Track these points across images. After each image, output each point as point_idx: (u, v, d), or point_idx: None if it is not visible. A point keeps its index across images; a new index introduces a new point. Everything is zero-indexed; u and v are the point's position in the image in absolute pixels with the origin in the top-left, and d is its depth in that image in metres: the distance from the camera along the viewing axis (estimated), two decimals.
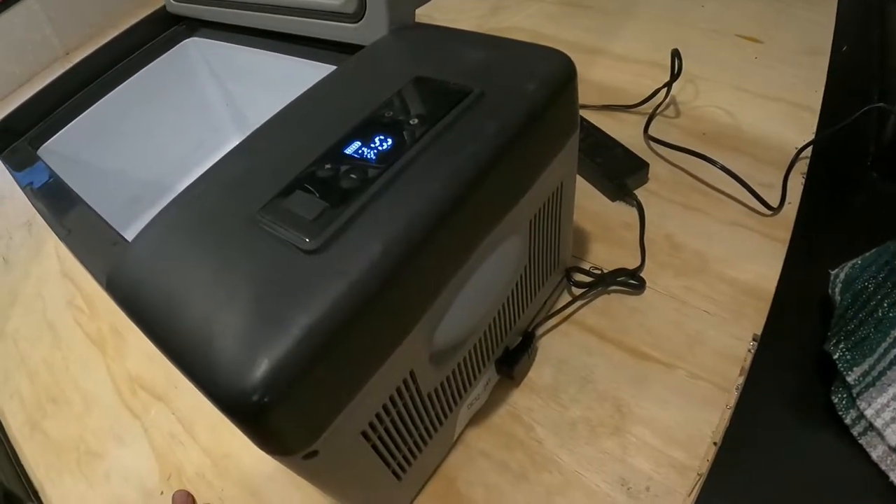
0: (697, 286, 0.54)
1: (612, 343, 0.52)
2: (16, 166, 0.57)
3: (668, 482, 0.44)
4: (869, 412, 0.42)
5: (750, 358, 0.50)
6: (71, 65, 0.63)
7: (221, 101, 0.69)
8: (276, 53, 0.57)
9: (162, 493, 0.51)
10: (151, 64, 0.63)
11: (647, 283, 0.54)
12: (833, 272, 0.49)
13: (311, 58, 0.54)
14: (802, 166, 0.60)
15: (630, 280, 0.54)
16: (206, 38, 0.64)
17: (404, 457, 0.42)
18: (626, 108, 0.69)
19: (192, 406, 0.56)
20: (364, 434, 0.36)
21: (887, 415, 0.42)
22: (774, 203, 0.57)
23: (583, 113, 0.67)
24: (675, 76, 0.66)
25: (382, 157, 0.35)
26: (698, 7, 0.80)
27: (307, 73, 0.55)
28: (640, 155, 0.62)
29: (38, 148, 0.58)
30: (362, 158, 0.35)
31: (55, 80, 0.60)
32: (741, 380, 0.49)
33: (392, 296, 0.31)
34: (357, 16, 0.47)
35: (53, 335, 0.66)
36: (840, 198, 0.58)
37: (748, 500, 0.43)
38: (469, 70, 0.40)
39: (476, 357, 0.44)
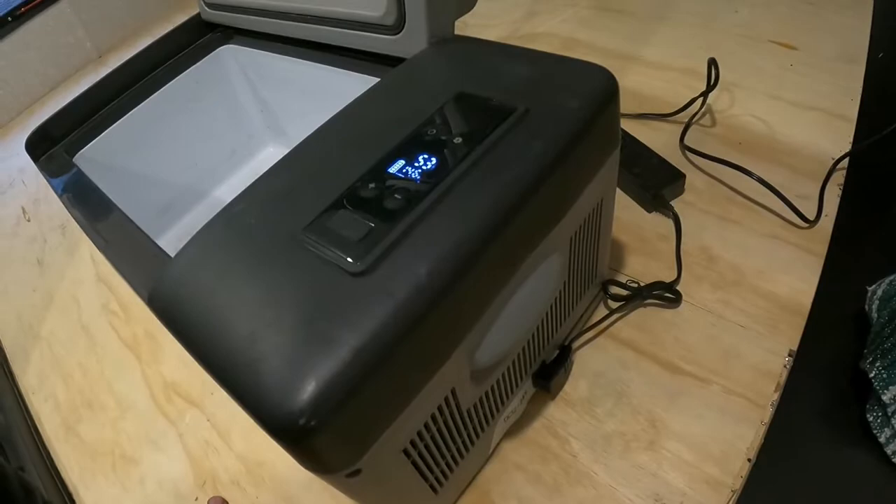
0: (733, 300, 0.53)
1: (648, 357, 0.52)
2: (52, 173, 0.57)
3: (701, 498, 0.44)
4: None
5: (785, 374, 0.49)
6: (105, 68, 0.64)
7: (256, 108, 0.70)
8: (312, 63, 0.57)
9: (196, 499, 0.52)
10: (186, 71, 0.63)
11: (684, 297, 0.54)
12: (870, 288, 0.49)
13: (348, 68, 0.54)
14: (839, 177, 0.59)
15: (666, 293, 0.54)
16: (242, 45, 0.64)
17: (442, 471, 0.42)
18: (661, 116, 0.68)
19: (228, 413, 0.56)
20: (405, 451, 0.36)
21: None
22: (811, 215, 0.56)
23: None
24: (712, 86, 0.65)
25: (427, 176, 0.35)
26: (731, 12, 0.79)
27: (344, 84, 0.55)
28: (676, 165, 0.62)
29: (74, 155, 0.59)
30: (407, 178, 0.35)
31: (91, 87, 0.61)
32: (776, 396, 0.48)
33: (438, 317, 0.31)
34: (396, 28, 0.47)
35: (88, 339, 0.66)
36: (877, 212, 0.57)
37: None
38: (511, 86, 0.40)
39: (514, 371, 0.44)
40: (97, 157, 0.60)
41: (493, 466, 0.48)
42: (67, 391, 0.63)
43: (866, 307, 0.48)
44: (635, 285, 0.54)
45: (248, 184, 0.69)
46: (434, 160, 0.36)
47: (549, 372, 0.48)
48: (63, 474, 0.58)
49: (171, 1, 1.18)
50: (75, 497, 0.56)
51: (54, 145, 0.60)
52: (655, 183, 0.59)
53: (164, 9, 1.14)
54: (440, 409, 0.36)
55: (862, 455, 0.43)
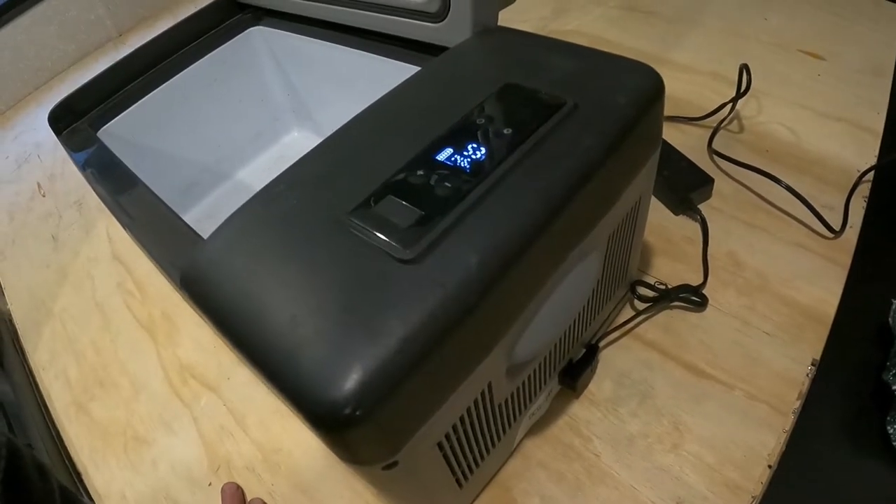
0: (758, 306, 0.53)
1: (673, 359, 0.51)
2: (75, 147, 0.56)
3: (722, 502, 0.44)
4: None
5: (808, 383, 0.49)
6: (125, 47, 0.63)
7: (283, 91, 0.69)
8: (345, 47, 0.56)
9: (210, 484, 0.51)
10: (215, 51, 0.62)
11: (710, 301, 0.54)
12: (895, 301, 0.48)
13: (384, 54, 0.54)
14: (864, 190, 0.60)
15: (693, 297, 0.53)
16: (272, 27, 0.63)
17: (468, 466, 0.41)
18: (690, 119, 0.67)
19: (244, 398, 0.56)
20: (439, 444, 0.35)
21: None
22: (836, 226, 0.56)
23: None
24: (743, 92, 0.64)
25: (477, 166, 0.34)
26: (761, 19, 0.79)
27: (378, 70, 0.54)
28: (704, 169, 0.61)
29: (98, 130, 0.58)
30: (455, 166, 0.34)
31: (118, 62, 0.60)
32: (798, 404, 0.48)
33: (485, 310, 0.31)
34: (440, 15, 0.46)
35: (102, 317, 0.66)
36: None
37: None
38: (558, 79, 0.39)
39: (544, 368, 0.43)
40: (121, 133, 0.59)
41: (516, 462, 0.48)
42: (79, 369, 0.62)
43: (889, 320, 0.48)
44: (663, 287, 0.54)
45: (271, 167, 0.69)
46: (483, 150, 0.35)
47: (575, 371, 0.48)
48: (72, 453, 0.57)
49: None
50: (84, 477, 0.55)
51: (78, 119, 0.59)
52: (684, 186, 0.59)
53: None
54: (475, 402, 0.36)
55: (881, 467, 0.43)
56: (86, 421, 0.58)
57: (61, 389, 0.61)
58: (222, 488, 0.50)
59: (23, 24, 0.98)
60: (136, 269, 0.69)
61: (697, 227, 0.58)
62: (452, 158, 0.35)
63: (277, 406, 0.54)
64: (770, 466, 0.45)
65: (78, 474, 0.56)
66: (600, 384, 0.51)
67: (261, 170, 0.70)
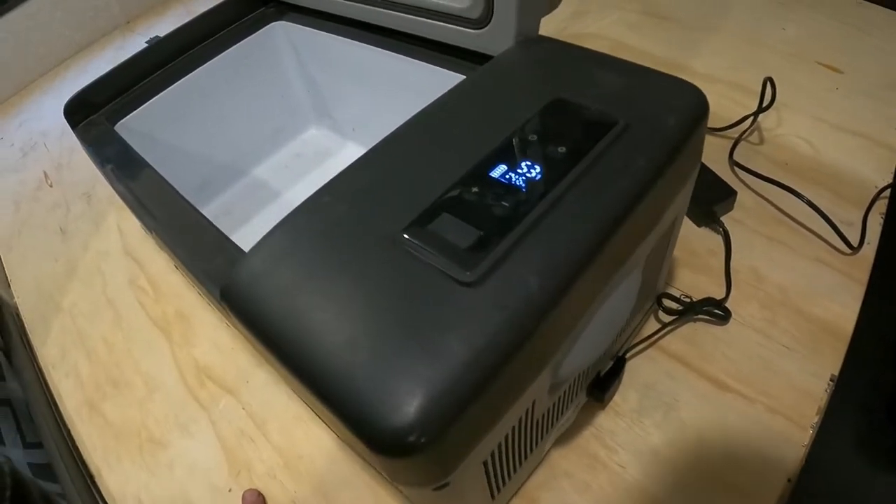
0: (779, 320, 0.54)
1: (696, 371, 0.52)
2: (91, 140, 0.55)
3: None
4: None
5: (826, 398, 0.50)
6: (132, 34, 0.61)
7: (304, 89, 0.68)
8: (371, 46, 0.55)
9: (230, 490, 0.51)
10: (235, 46, 0.61)
11: (733, 314, 0.54)
12: None
13: (411, 55, 0.53)
14: (881, 206, 0.60)
15: (716, 310, 0.54)
16: (296, 22, 0.62)
17: (503, 478, 0.41)
18: (713, 130, 0.68)
19: (264, 402, 0.55)
20: (483, 462, 0.35)
21: None
22: (854, 241, 0.57)
23: None
24: (766, 105, 0.65)
25: (532, 185, 0.34)
26: (779, 29, 0.79)
27: (404, 70, 0.53)
28: (726, 180, 0.62)
29: (115, 123, 0.56)
30: (511, 184, 0.34)
31: (136, 54, 0.58)
32: (817, 419, 0.49)
33: (543, 331, 0.31)
34: (481, 22, 0.46)
35: (114, 314, 0.64)
36: None
37: None
38: (606, 96, 0.39)
39: (578, 381, 0.44)
40: (138, 128, 0.58)
41: (543, 473, 0.48)
42: (91, 367, 0.61)
43: None
44: (688, 300, 0.54)
45: (289, 164, 0.69)
46: (538, 168, 0.35)
47: (604, 383, 0.48)
48: (85, 454, 0.56)
49: None
50: (97, 479, 0.54)
51: (94, 112, 0.57)
52: (708, 198, 0.59)
53: None
54: (520, 419, 0.36)
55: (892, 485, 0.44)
56: (98, 421, 0.57)
57: (72, 388, 0.60)
58: (243, 495, 0.50)
59: (28, 10, 0.96)
60: (149, 266, 0.67)
61: (720, 239, 0.58)
62: (507, 176, 0.35)
63: (298, 411, 0.54)
64: (789, 480, 0.46)
65: (91, 476, 0.55)
66: (625, 395, 0.51)
67: (278, 167, 0.69)
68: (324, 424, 0.53)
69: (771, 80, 0.63)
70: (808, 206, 0.58)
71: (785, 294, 0.55)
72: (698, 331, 0.54)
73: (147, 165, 0.50)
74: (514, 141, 0.37)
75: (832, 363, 0.51)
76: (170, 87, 0.59)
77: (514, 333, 0.29)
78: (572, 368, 0.38)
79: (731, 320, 0.54)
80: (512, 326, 0.29)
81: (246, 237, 0.37)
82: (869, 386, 0.49)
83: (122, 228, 0.72)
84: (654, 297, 0.53)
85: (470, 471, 0.34)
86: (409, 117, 0.40)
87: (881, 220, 0.59)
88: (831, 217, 0.58)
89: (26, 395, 0.60)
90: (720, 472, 0.46)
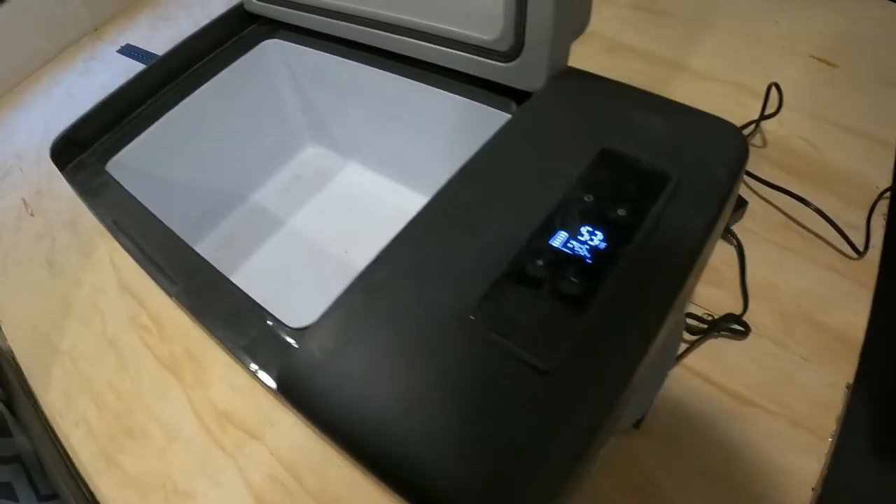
0: (795, 331, 0.55)
1: (720, 388, 0.52)
2: (83, 186, 0.51)
3: None
4: None
5: (843, 407, 0.51)
6: (101, 42, 0.57)
7: (299, 109, 0.65)
8: (371, 67, 0.53)
9: None
10: (227, 69, 0.58)
11: (752, 328, 0.55)
12: None
13: (415, 78, 0.51)
14: (882, 207, 0.61)
15: (736, 325, 0.55)
16: (289, 40, 0.59)
17: None
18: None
19: (292, 445, 0.54)
20: None
21: None
22: (860, 245, 0.58)
23: None
24: (773, 112, 0.65)
25: (597, 255, 0.33)
26: (772, 22, 0.79)
27: (409, 92, 0.51)
28: None
29: (106, 162, 0.53)
30: (574, 254, 0.33)
31: (124, 85, 0.54)
32: (836, 428, 0.50)
33: (620, 406, 0.31)
34: (509, 55, 0.44)
35: (118, 356, 0.61)
36: None
37: None
38: (652, 143, 0.39)
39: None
40: (132, 164, 0.55)
41: (579, 498, 0.49)
42: (101, 415, 0.58)
43: None
44: (710, 317, 0.55)
45: (288, 188, 0.66)
46: (600, 235, 0.34)
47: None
48: None
49: None
50: None
51: (83, 151, 0.53)
52: None
53: None
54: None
55: None
56: (118, 474, 0.55)
57: (83, 438, 0.57)
58: None
59: None
60: (149, 301, 0.64)
61: (733, 250, 0.59)
62: (570, 245, 0.34)
63: (328, 451, 0.53)
64: (813, 489, 0.48)
65: None
66: (656, 416, 0.52)
67: (278, 191, 0.66)
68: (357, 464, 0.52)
69: (777, 85, 0.63)
70: (815, 213, 0.59)
71: (798, 304, 0.56)
72: (719, 346, 0.55)
73: (151, 216, 0.47)
74: (570, 202, 0.36)
75: (846, 372, 0.53)
76: (162, 118, 0.55)
77: (599, 420, 0.29)
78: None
79: (751, 334, 0.55)
80: (596, 414, 0.29)
81: (251, 272, 0.36)
82: (883, 393, 0.51)
83: (115, 261, 0.68)
84: (683, 321, 0.54)
85: None
86: (412, 140, 0.39)
87: (883, 222, 0.61)
88: (837, 222, 0.59)
89: (35, 447, 0.58)
90: (747, 486, 0.47)
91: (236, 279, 0.41)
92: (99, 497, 0.54)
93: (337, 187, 0.66)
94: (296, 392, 0.33)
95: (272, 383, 0.36)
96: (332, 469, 0.52)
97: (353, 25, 0.53)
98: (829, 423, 0.50)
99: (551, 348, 0.30)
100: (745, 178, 0.64)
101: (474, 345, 0.31)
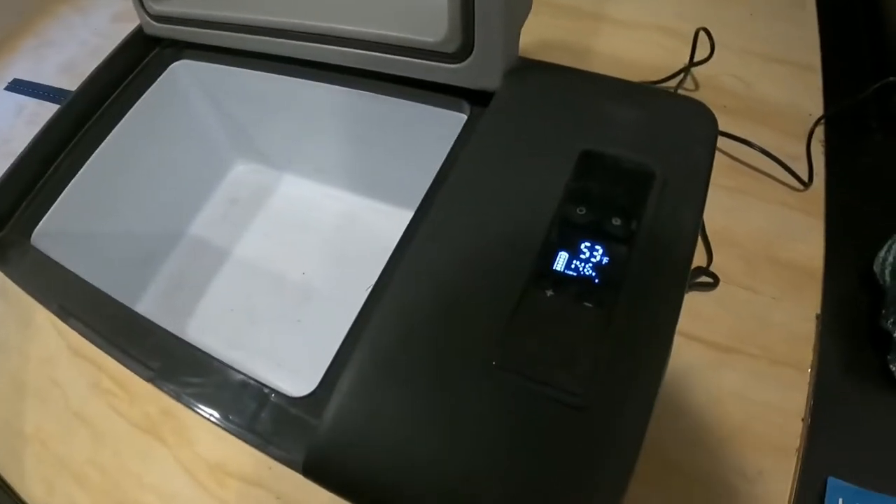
0: (760, 273, 0.57)
1: (700, 342, 0.54)
2: (15, 269, 0.46)
3: (777, 465, 0.48)
4: None
5: (816, 337, 0.54)
6: None
7: (220, 127, 0.60)
8: (290, 77, 0.50)
9: None
10: (138, 102, 0.52)
11: (720, 278, 0.56)
12: (880, 255, 0.55)
13: (335, 82, 0.48)
14: (820, 134, 0.63)
15: (705, 277, 0.56)
16: (199, 59, 0.53)
17: None
18: (651, 84, 0.67)
19: (296, 486, 0.52)
20: None
21: None
22: (805, 176, 0.60)
23: None
24: (706, 58, 0.65)
25: (602, 272, 0.33)
26: None
27: (343, 100, 0.49)
28: None
29: (31, 235, 0.47)
30: (580, 275, 0.33)
31: (29, 146, 0.48)
32: (813, 358, 0.53)
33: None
34: (459, 56, 0.41)
35: (89, 429, 0.57)
36: (864, 167, 0.63)
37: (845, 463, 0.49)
38: (627, 136, 0.38)
39: None
40: (58, 229, 0.49)
41: None
42: (89, 496, 0.54)
43: (875, 269, 0.54)
44: None
45: (225, 214, 0.62)
46: (601, 250, 0.33)
47: None
48: None
49: None
50: None
51: (1, 229, 0.47)
52: None
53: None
54: None
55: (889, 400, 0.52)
56: None
57: None
58: None
59: None
60: (106, 363, 0.59)
61: None
62: (573, 266, 0.33)
63: None
64: (803, 420, 0.51)
65: None
66: None
67: (216, 219, 0.62)
68: None
69: (706, 30, 0.63)
70: (759, 152, 0.61)
71: (759, 245, 0.58)
72: (693, 300, 0.56)
73: (102, 294, 0.43)
74: (563, 218, 0.35)
75: (814, 303, 0.55)
76: (80, 172, 0.50)
77: (635, 451, 0.29)
78: None
79: (720, 284, 0.57)
80: (634, 444, 0.29)
81: (209, 314, 0.33)
82: (851, 320, 0.55)
83: (57, 326, 0.62)
84: None
85: None
86: (350, 145, 0.37)
87: (822, 147, 0.63)
88: (780, 157, 0.60)
89: None
90: (742, 429, 0.50)
91: (195, 325, 0.38)
92: None
93: (277, 203, 0.63)
94: (325, 475, 0.31)
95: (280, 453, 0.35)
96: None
97: (273, 39, 0.48)
98: (807, 355, 0.53)
99: (579, 382, 0.30)
100: None
101: (504, 392, 0.30)
